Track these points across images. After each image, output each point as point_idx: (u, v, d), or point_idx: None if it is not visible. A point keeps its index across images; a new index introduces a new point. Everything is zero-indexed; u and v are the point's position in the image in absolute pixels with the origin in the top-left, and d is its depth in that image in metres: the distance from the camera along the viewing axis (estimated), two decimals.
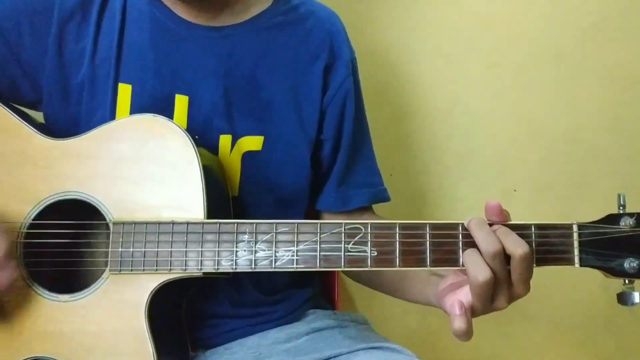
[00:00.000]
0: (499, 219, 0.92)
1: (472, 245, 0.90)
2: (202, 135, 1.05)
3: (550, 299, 1.68)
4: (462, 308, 0.89)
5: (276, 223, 0.94)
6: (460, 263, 0.91)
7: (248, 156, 1.13)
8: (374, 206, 1.27)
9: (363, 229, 0.92)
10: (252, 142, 1.13)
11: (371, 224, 0.93)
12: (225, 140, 1.12)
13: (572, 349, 1.75)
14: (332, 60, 1.18)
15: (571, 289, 1.67)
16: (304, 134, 1.16)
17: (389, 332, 1.21)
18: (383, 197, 1.25)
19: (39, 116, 1.14)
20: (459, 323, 0.89)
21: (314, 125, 1.17)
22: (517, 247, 0.88)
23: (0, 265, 0.93)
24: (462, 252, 0.90)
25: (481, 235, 0.89)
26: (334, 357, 1.09)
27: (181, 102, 1.10)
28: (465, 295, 0.91)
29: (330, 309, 1.28)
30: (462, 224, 0.92)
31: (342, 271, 1.30)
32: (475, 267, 0.87)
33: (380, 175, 1.27)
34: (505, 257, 0.88)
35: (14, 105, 1.10)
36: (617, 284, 0.92)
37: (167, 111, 1.06)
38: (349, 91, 1.20)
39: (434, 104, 1.69)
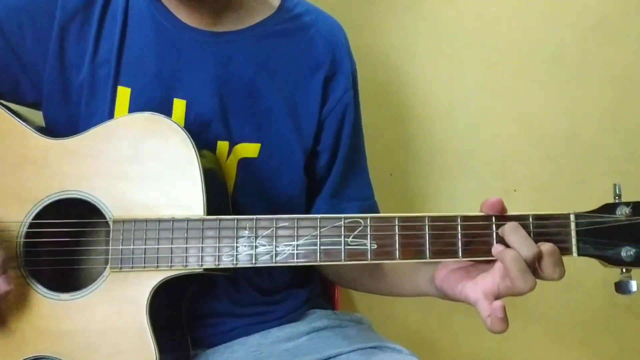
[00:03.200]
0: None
1: (470, 237, 0.92)
2: (199, 139, 1.05)
3: (550, 299, 1.68)
4: (504, 310, 0.89)
5: (276, 218, 0.95)
6: (460, 254, 0.92)
7: (244, 163, 1.12)
8: None
9: (363, 223, 0.93)
10: (249, 149, 1.13)
11: (371, 217, 0.93)
12: (222, 146, 1.12)
13: (572, 349, 1.75)
14: (333, 71, 1.17)
15: (571, 288, 1.67)
16: (300, 143, 1.16)
17: (389, 332, 1.21)
18: (373, 211, 1.24)
19: (38, 117, 1.14)
20: (503, 326, 0.89)
21: (310, 135, 1.17)
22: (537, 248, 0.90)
23: None
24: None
25: (519, 240, 0.90)
26: (334, 356, 1.09)
27: (179, 106, 1.10)
28: (491, 285, 0.92)
29: (330, 309, 1.27)
30: (461, 216, 0.93)
31: (328, 276, 1.30)
32: (523, 277, 0.88)
33: (372, 189, 1.27)
34: None
35: (12, 106, 1.10)
36: (616, 279, 0.92)
37: (165, 115, 1.05)
38: (349, 105, 1.19)
39: (434, 104, 1.69)
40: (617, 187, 0.92)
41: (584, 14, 1.66)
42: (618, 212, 0.91)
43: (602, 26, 1.67)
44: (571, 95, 1.68)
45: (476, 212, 0.94)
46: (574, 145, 1.69)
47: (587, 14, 1.66)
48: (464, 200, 1.69)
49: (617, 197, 0.92)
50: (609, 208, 0.91)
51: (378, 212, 1.25)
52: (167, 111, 1.09)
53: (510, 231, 0.91)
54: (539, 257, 0.89)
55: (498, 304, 0.89)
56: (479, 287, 0.93)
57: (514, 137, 1.69)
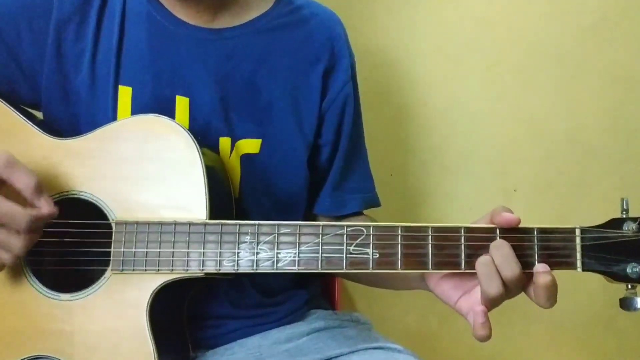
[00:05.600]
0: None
1: (473, 249, 0.91)
2: (202, 136, 1.05)
3: None
4: (485, 315, 0.89)
5: (278, 224, 0.94)
6: (462, 266, 0.91)
7: (246, 159, 1.12)
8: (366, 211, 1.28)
9: (365, 231, 0.92)
10: (250, 145, 1.12)
11: (373, 226, 0.93)
12: (224, 142, 1.12)
13: (572, 349, 1.75)
14: (332, 64, 1.18)
15: (572, 289, 1.67)
16: (302, 137, 1.16)
17: (389, 332, 1.21)
18: (375, 202, 1.27)
19: (38, 115, 1.14)
20: (484, 331, 0.89)
21: (312, 129, 1.17)
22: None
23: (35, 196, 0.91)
24: (477, 258, 0.90)
25: (501, 258, 0.89)
26: (335, 357, 1.09)
27: (182, 104, 1.10)
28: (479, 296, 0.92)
29: (330, 309, 1.28)
30: (464, 227, 0.92)
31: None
32: (489, 282, 0.88)
33: (372, 180, 1.28)
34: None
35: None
36: (618, 286, 0.92)
37: (168, 113, 1.05)
38: (349, 97, 1.19)
39: (434, 104, 1.69)
40: (624, 201, 0.90)
41: (584, 14, 1.66)
42: (625, 227, 0.89)
43: (602, 26, 1.67)
44: (571, 95, 1.68)
45: (479, 224, 0.93)
46: (574, 145, 1.69)
47: (587, 13, 1.66)
48: (464, 201, 1.70)
49: (624, 212, 0.90)
50: (615, 223, 0.90)
51: (379, 204, 1.27)
52: (170, 109, 1.09)
53: (494, 248, 0.90)
54: (536, 285, 0.88)
55: (479, 308, 0.90)
56: (472, 295, 0.93)
57: (514, 137, 1.70)
